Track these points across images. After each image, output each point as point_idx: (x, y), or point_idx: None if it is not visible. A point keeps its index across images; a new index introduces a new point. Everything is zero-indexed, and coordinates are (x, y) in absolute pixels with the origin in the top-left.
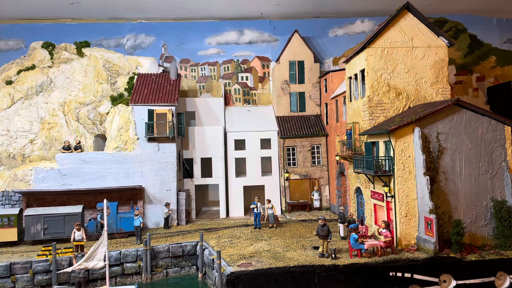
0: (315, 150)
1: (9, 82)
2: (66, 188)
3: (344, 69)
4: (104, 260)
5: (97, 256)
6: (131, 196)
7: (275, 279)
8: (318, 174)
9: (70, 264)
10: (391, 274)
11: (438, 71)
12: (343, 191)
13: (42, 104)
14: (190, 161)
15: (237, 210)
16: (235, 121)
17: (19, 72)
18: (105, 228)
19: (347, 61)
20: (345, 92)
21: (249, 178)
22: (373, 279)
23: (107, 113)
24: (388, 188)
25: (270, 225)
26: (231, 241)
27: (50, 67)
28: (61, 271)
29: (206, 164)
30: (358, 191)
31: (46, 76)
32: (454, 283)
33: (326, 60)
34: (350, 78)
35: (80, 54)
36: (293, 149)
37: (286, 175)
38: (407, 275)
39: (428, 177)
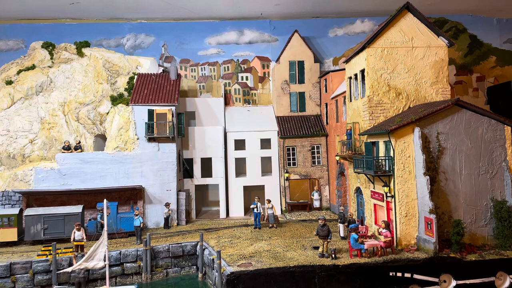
0: (315, 150)
1: (9, 82)
2: (66, 188)
3: (344, 69)
4: (104, 260)
5: (97, 256)
6: (131, 196)
7: (275, 279)
8: (318, 174)
9: (70, 264)
10: (391, 274)
11: (438, 71)
12: (343, 191)
13: (42, 104)
14: (190, 161)
15: (237, 210)
16: (235, 121)
17: (19, 72)
18: (105, 228)
19: (347, 61)
20: (345, 92)
21: (249, 178)
22: (373, 279)
23: (107, 113)
24: (388, 188)
25: (270, 225)
26: (231, 241)
27: (50, 67)
28: (61, 271)
29: (206, 164)
30: (358, 191)
31: (46, 76)
32: (454, 283)
33: (326, 60)
34: (350, 78)
35: (80, 54)
36: (293, 149)
37: (286, 175)
38: (407, 275)
39: (428, 177)
